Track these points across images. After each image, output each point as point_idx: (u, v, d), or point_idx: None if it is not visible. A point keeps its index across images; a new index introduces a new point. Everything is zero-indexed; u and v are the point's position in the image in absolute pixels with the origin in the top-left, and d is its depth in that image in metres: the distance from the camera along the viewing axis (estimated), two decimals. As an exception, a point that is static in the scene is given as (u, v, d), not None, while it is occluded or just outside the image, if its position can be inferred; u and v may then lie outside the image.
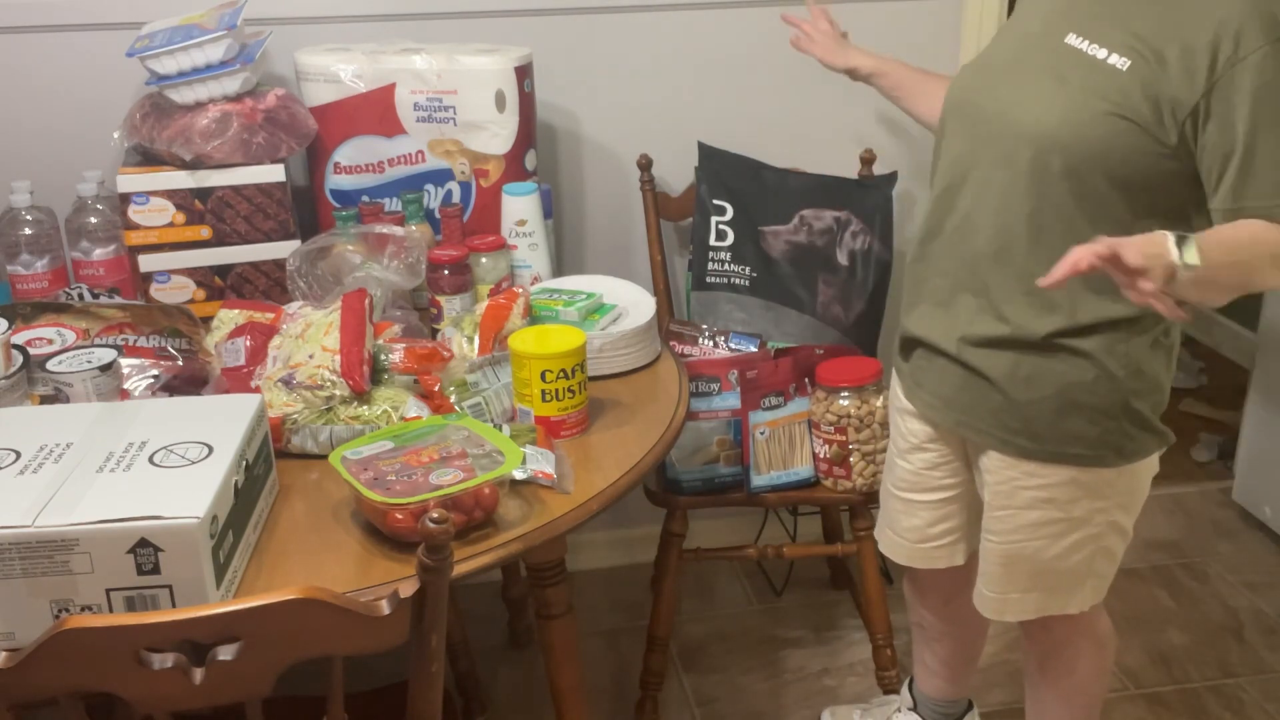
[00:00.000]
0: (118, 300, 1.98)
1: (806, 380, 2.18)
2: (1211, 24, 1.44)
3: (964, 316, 1.66)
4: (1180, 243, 1.35)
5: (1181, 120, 1.47)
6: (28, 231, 2.05)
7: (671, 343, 2.18)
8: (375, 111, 2.10)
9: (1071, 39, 1.56)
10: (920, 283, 1.74)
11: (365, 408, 1.62)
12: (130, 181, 1.97)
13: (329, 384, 1.61)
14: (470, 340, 1.80)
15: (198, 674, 1.10)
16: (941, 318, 1.70)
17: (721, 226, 2.34)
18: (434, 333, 1.94)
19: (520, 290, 1.89)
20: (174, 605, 1.24)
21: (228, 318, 1.84)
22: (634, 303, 1.99)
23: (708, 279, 2.35)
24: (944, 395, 1.73)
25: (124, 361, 1.64)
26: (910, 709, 2.19)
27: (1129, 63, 1.49)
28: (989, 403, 1.67)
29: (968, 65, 1.78)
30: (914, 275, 1.76)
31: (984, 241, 1.62)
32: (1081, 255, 1.33)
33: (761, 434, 2.15)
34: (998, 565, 1.77)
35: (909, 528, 1.90)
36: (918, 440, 1.83)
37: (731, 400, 2.14)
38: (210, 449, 1.34)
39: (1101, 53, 1.51)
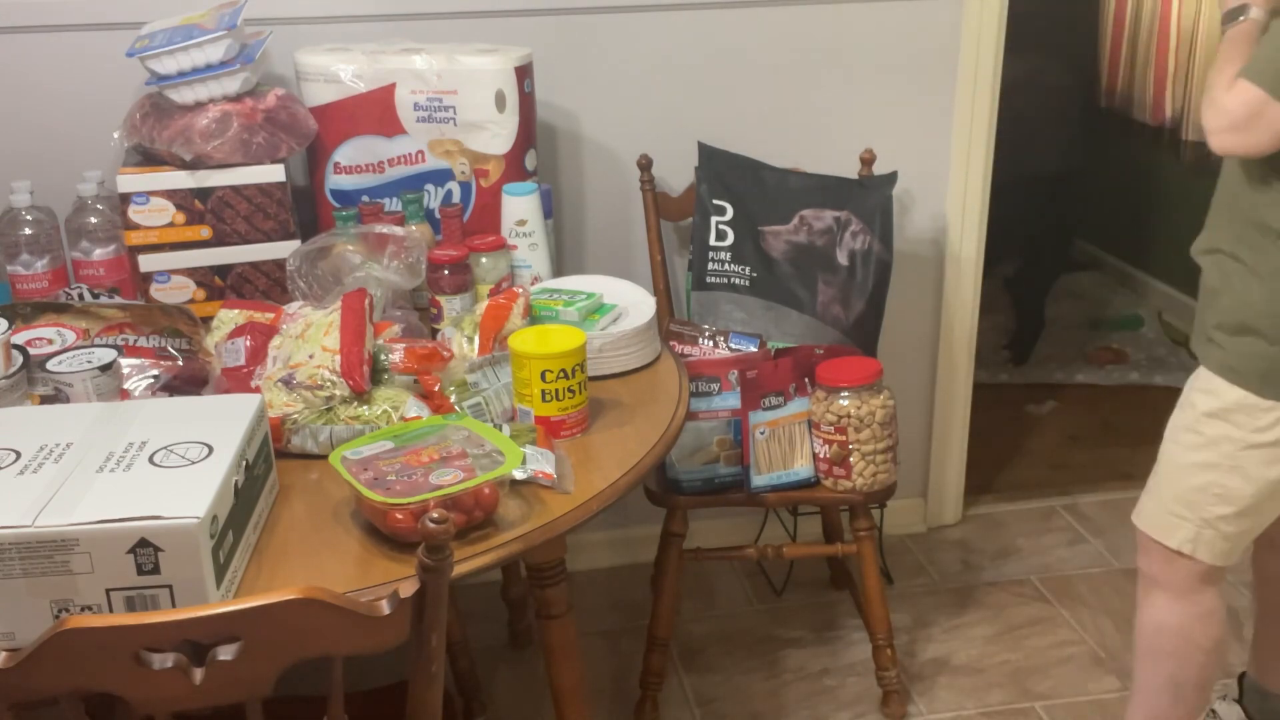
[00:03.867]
0: (118, 300, 1.98)
1: (806, 380, 2.18)
2: None
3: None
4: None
5: None
6: (28, 231, 2.05)
7: (671, 343, 2.18)
8: (375, 111, 2.10)
9: None
10: None
11: (365, 408, 1.62)
12: (130, 181, 1.97)
13: (329, 384, 1.61)
14: (470, 340, 1.80)
15: (198, 674, 1.10)
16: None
17: (721, 226, 2.34)
18: (434, 333, 1.94)
19: (520, 290, 1.89)
20: (174, 605, 1.24)
21: (228, 318, 1.84)
22: (634, 303, 1.99)
23: (708, 279, 2.35)
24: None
25: (124, 361, 1.64)
26: (1235, 699, 2.25)
27: None
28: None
29: None
30: None
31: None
32: None
33: (761, 434, 2.15)
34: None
35: None
36: None
37: (731, 400, 2.14)
38: (210, 449, 1.34)
39: None
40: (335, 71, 2.09)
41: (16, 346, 1.62)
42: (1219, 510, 1.83)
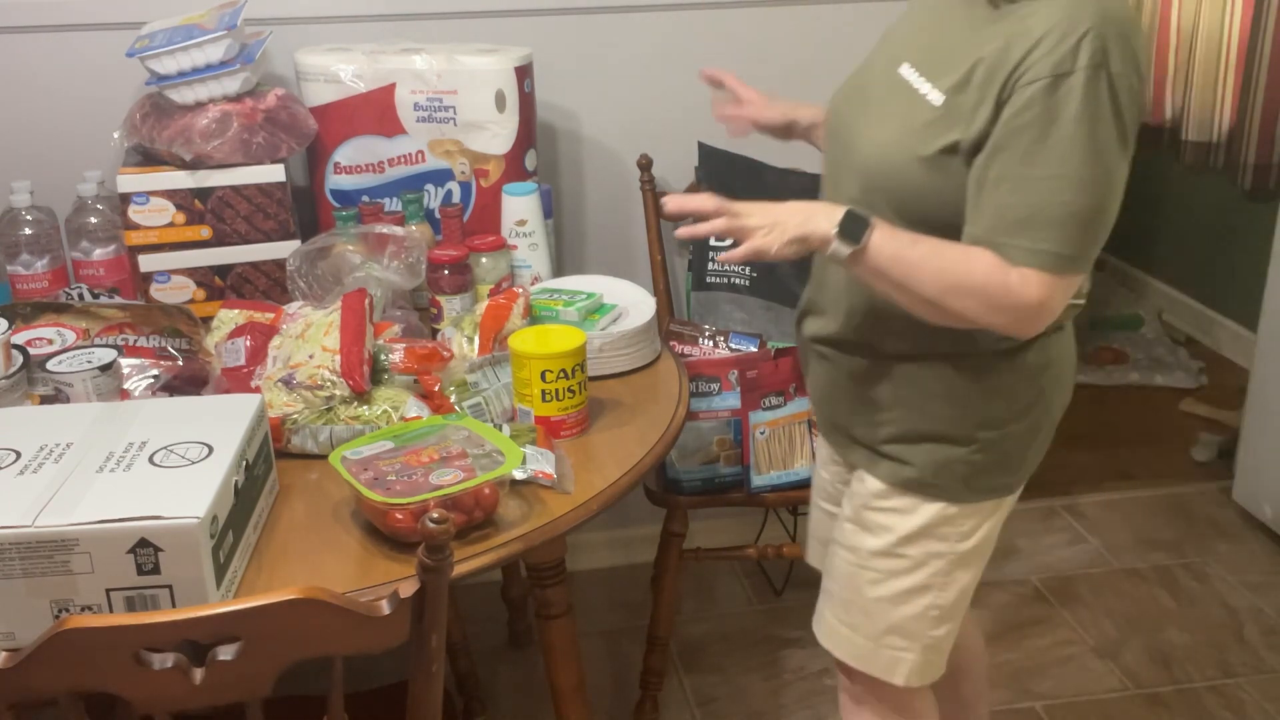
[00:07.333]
0: (118, 300, 1.98)
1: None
2: (1019, 48, 1.31)
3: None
4: (849, 228, 1.35)
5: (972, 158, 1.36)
6: (28, 231, 2.05)
7: (671, 343, 2.18)
8: (375, 111, 2.10)
9: (905, 70, 1.44)
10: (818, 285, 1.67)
11: (365, 408, 1.62)
12: (130, 181, 1.97)
13: (329, 384, 1.61)
14: (470, 340, 1.80)
15: (198, 674, 1.10)
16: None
17: (721, 226, 2.34)
18: (434, 333, 1.94)
19: (520, 290, 1.89)
20: (174, 605, 1.24)
21: (228, 318, 1.84)
22: (634, 303, 1.99)
23: (708, 279, 2.35)
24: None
25: (124, 361, 1.64)
26: None
27: (943, 98, 1.38)
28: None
29: (852, 73, 1.61)
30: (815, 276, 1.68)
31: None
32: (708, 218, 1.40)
33: (761, 434, 2.15)
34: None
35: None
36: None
37: (731, 400, 2.14)
38: (210, 449, 1.34)
39: (925, 86, 1.40)
40: (335, 71, 2.09)
41: (16, 346, 1.62)
42: (941, 631, 1.61)
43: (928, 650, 1.60)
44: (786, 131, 1.84)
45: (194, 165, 1.98)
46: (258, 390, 1.64)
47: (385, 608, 1.15)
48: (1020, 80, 1.31)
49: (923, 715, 1.70)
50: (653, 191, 2.43)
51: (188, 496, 1.25)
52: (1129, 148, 1.34)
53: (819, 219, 1.37)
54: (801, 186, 2.35)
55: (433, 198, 2.16)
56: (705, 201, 1.41)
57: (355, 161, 2.14)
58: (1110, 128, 1.30)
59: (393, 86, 2.09)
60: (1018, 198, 1.32)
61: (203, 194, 1.99)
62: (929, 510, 1.54)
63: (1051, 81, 1.29)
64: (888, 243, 1.37)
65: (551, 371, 1.65)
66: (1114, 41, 1.28)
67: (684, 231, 1.46)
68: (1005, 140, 1.32)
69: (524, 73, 2.11)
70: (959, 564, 1.58)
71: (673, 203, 1.43)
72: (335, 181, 2.15)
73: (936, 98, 1.39)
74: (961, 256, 1.35)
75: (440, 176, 2.15)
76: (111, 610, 1.24)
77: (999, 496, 1.57)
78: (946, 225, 1.39)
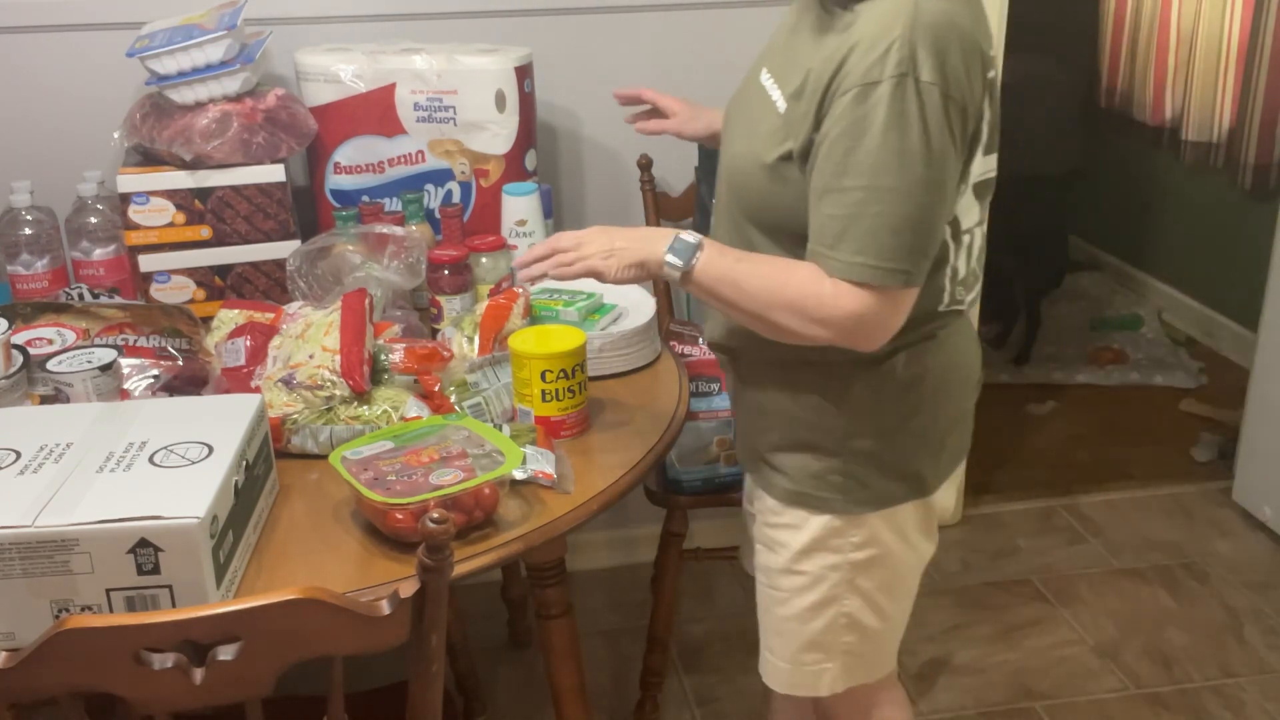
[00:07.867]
0: (118, 300, 1.98)
1: (806, 380, 2.18)
2: (837, 58, 1.31)
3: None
4: (678, 252, 1.38)
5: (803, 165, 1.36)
6: (28, 231, 2.05)
7: (671, 343, 2.17)
8: (375, 111, 2.10)
9: (764, 75, 1.45)
10: None
11: (365, 408, 1.62)
12: (130, 181, 1.97)
13: (329, 384, 1.61)
14: (470, 340, 1.80)
15: (198, 674, 1.10)
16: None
17: (721, 226, 2.34)
18: (434, 333, 1.94)
19: (520, 290, 1.89)
20: (174, 605, 1.24)
21: (228, 318, 1.84)
22: (634, 303, 1.99)
23: (708, 279, 2.35)
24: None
25: (124, 361, 1.64)
26: None
27: (785, 106, 1.38)
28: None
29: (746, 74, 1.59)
30: None
31: None
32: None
33: (761, 434, 2.15)
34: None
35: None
36: None
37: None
38: (210, 449, 1.34)
39: (775, 93, 1.40)
40: (335, 71, 2.09)
41: (16, 346, 1.62)
42: (853, 637, 1.58)
43: (847, 656, 1.59)
44: (714, 140, 1.83)
45: (194, 165, 1.98)
46: (258, 390, 1.64)
47: (385, 608, 1.15)
48: (837, 91, 1.30)
49: (886, 706, 1.70)
50: (652, 191, 2.43)
51: (188, 496, 1.25)
52: (949, 157, 1.30)
53: (656, 243, 1.41)
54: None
55: (433, 198, 2.16)
56: (536, 249, 1.47)
57: (355, 161, 2.14)
58: (918, 137, 1.27)
59: (393, 86, 2.09)
60: (835, 209, 1.31)
61: (203, 194, 1.99)
62: (816, 524, 1.52)
63: (860, 91, 1.27)
64: (715, 262, 1.39)
65: (551, 371, 1.65)
66: (925, 49, 1.26)
67: (525, 273, 1.49)
68: (826, 152, 1.31)
69: (524, 73, 2.11)
70: (858, 572, 1.54)
71: (518, 263, 1.50)
72: (335, 181, 2.15)
73: (782, 105, 1.39)
74: (782, 271, 1.37)
75: (440, 176, 2.15)
76: (111, 610, 1.24)
77: (888, 506, 1.52)
78: (791, 234, 1.39)
